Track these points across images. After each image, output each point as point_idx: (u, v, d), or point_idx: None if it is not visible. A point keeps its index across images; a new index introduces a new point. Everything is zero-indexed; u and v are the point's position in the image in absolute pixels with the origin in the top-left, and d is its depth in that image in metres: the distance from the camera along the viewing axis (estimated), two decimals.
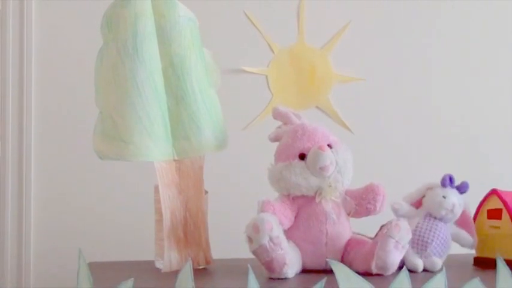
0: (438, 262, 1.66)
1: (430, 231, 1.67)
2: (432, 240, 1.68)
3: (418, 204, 1.74)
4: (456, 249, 1.80)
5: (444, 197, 1.70)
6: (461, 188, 1.73)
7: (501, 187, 1.77)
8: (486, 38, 2.37)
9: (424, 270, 1.65)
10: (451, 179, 1.73)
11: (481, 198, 1.78)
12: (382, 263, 1.55)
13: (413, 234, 1.64)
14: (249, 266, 1.24)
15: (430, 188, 1.74)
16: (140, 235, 2.01)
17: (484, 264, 1.71)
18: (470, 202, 1.76)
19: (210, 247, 1.70)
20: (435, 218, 1.71)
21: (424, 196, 1.74)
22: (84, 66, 1.89)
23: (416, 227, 1.68)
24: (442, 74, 2.35)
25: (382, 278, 1.53)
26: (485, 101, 2.37)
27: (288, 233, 1.59)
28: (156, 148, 1.64)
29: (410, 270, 1.49)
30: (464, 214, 1.73)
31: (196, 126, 1.68)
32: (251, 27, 2.23)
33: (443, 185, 1.72)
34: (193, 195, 1.69)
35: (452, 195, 1.71)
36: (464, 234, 1.73)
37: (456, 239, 1.73)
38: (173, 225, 1.65)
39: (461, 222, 1.73)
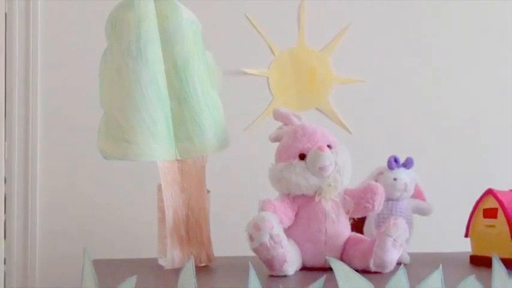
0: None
1: (391, 213, 1.72)
2: None
3: None
4: (453, 247, 1.81)
5: (395, 179, 1.75)
6: (408, 165, 1.78)
7: (497, 186, 1.78)
8: (487, 38, 2.37)
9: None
10: (396, 160, 1.77)
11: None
12: (380, 260, 1.56)
13: (378, 219, 1.72)
14: (249, 263, 1.24)
15: (380, 173, 1.78)
16: (143, 233, 2.02)
17: (480, 262, 1.71)
18: (468, 202, 1.79)
19: (212, 245, 1.71)
20: (392, 200, 1.75)
21: (376, 181, 1.76)
22: (88, 68, 1.89)
23: (379, 212, 1.71)
24: (441, 75, 2.35)
25: (380, 276, 1.53)
26: (486, 102, 2.37)
27: (288, 231, 1.60)
28: (159, 148, 1.65)
29: None
30: (415, 187, 1.78)
31: (198, 127, 1.68)
32: (252, 30, 2.24)
33: (390, 167, 1.77)
34: (196, 194, 1.70)
35: (403, 175, 1.76)
36: (421, 204, 1.79)
37: (416, 211, 1.79)
38: (176, 224, 1.66)
39: (415, 195, 1.79)
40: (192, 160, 1.70)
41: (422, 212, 1.80)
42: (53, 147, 2.15)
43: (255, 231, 1.52)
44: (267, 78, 2.26)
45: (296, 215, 1.63)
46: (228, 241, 1.75)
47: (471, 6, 2.37)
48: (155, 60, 1.66)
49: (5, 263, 2.13)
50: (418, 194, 1.80)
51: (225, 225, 1.90)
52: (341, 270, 1.23)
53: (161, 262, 1.70)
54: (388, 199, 1.74)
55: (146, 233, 1.89)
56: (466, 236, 1.78)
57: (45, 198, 2.14)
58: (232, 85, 2.11)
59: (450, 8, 2.36)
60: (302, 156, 1.62)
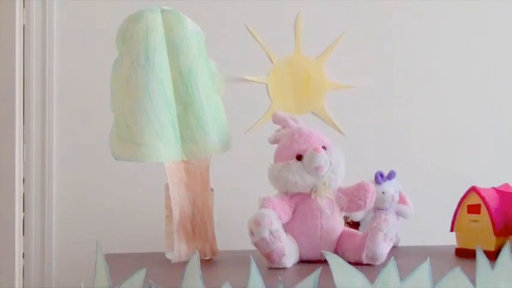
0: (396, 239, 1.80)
1: None
2: None
3: None
4: (439, 241, 1.80)
5: (383, 192, 1.81)
6: (391, 177, 1.84)
7: (480, 184, 1.78)
8: (476, 44, 2.36)
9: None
10: (381, 175, 1.82)
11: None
12: (372, 253, 1.56)
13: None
14: (251, 257, 1.24)
15: None
16: (152, 229, 2.02)
17: (465, 254, 1.72)
18: (453, 199, 1.78)
19: (216, 240, 1.71)
20: (382, 209, 1.81)
21: None
22: (101, 75, 1.89)
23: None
24: (426, 80, 2.35)
25: (371, 268, 1.53)
26: (474, 105, 2.36)
27: (286, 226, 1.60)
28: (166, 150, 1.64)
29: None
30: (399, 194, 1.86)
31: (202, 130, 1.68)
32: (252, 40, 2.23)
33: (377, 182, 1.81)
34: (200, 193, 1.69)
35: (388, 188, 1.83)
36: (403, 208, 1.86)
37: (400, 214, 1.85)
38: (182, 220, 1.66)
39: (399, 200, 1.85)
40: (196, 161, 1.69)
41: (404, 215, 1.86)
42: (68, 149, 2.14)
43: (255, 226, 1.52)
44: (266, 84, 2.25)
45: (293, 212, 1.62)
46: (230, 236, 1.75)
47: (458, 16, 2.36)
48: (162, 69, 1.65)
49: (23, 257, 2.12)
50: (401, 199, 1.86)
51: (228, 222, 1.90)
52: (336, 262, 1.23)
53: (168, 256, 1.69)
54: (378, 208, 1.81)
55: (154, 229, 1.89)
56: (452, 230, 1.78)
57: (60, 196, 2.13)
58: (233, 91, 2.11)
59: (439, 17, 2.35)
60: (299, 157, 1.62)
